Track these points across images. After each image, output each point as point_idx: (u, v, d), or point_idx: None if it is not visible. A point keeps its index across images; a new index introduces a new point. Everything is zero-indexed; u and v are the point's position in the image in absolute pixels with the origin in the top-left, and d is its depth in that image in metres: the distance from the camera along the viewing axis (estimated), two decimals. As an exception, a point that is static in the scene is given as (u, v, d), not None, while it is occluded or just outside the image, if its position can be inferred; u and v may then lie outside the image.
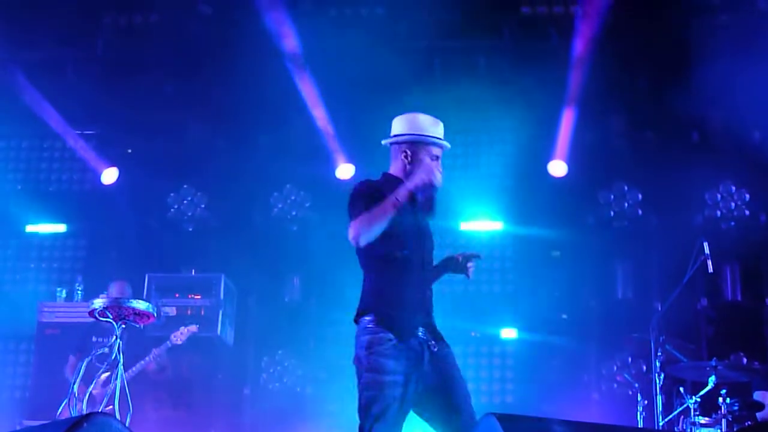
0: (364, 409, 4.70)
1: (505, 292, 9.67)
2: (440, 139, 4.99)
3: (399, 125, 5.04)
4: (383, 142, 5.09)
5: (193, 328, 8.31)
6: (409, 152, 4.94)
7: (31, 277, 10.16)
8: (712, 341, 8.86)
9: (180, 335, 8.20)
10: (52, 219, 10.17)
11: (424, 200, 4.96)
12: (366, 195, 4.80)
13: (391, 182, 4.90)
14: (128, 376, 7.09)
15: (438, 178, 4.82)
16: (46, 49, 9.80)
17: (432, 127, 4.98)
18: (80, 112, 9.98)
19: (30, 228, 10.19)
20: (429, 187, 4.85)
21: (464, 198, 9.34)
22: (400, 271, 4.84)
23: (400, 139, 4.98)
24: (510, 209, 9.53)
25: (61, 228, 10.22)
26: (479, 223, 9.61)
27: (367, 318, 4.77)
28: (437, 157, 4.95)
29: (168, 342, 8.17)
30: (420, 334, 4.82)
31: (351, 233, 4.74)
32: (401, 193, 4.74)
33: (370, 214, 4.68)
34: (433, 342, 4.85)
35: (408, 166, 4.92)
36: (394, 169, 5.00)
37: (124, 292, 8.30)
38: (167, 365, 8.36)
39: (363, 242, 4.73)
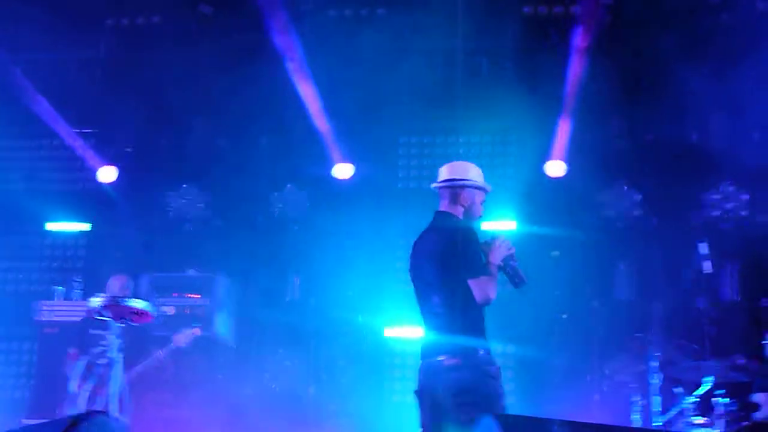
0: None
1: (505, 292, 9.63)
2: (487, 186, 5.58)
3: (455, 171, 5.52)
4: (434, 185, 5.54)
5: (197, 331, 8.25)
6: (467, 197, 5.46)
7: (31, 276, 10.18)
8: (711, 341, 8.84)
9: (183, 338, 8.14)
10: (52, 218, 10.17)
11: None
12: (477, 248, 5.30)
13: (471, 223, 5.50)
14: (129, 376, 7.08)
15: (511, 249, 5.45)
16: (50, 51, 9.83)
17: (481, 176, 5.56)
18: (82, 111, 10.00)
19: (30, 227, 10.20)
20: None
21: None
22: (481, 307, 5.33)
23: (458, 183, 5.49)
24: (510, 209, 9.51)
25: (61, 227, 10.23)
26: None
27: (485, 352, 5.22)
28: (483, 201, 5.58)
29: (171, 344, 8.11)
30: None
31: (483, 295, 5.22)
32: (496, 263, 5.39)
33: (491, 279, 5.30)
34: None
35: (467, 209, 5.48)
36: (452, 209, 5.47)
37: (124, 288, 8.27)
38: (168, 365, 8.34)
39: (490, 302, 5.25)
